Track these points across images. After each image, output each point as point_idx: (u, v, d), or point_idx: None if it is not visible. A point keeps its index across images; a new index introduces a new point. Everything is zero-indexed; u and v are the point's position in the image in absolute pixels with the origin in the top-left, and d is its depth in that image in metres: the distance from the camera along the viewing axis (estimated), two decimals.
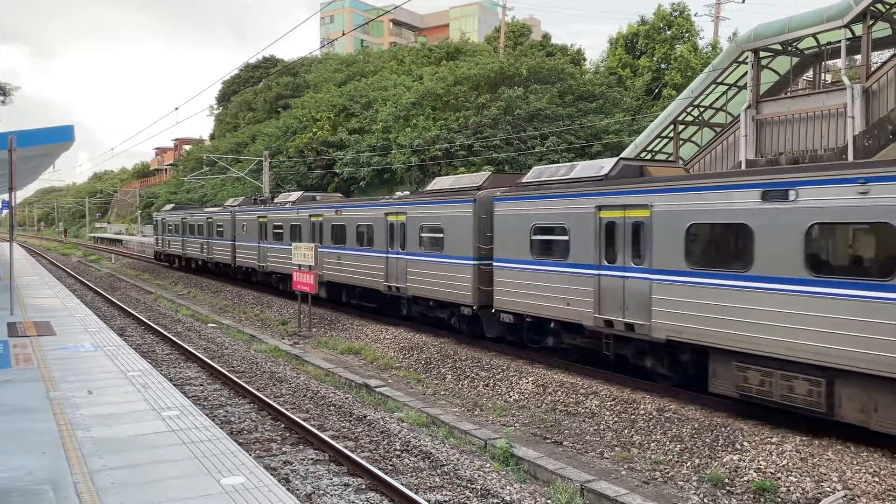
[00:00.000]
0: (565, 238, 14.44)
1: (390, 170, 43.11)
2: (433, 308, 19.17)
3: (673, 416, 11.61)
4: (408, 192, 25.62)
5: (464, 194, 17.91)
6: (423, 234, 19.10)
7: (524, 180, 16.39)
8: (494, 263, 16.41)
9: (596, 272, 13.65)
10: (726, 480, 9.52)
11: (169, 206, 49.43)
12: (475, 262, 17.04)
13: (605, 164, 14.66)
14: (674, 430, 11.16)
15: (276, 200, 29.93)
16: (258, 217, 30.36)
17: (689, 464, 10.20)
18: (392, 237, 20.45)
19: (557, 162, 35.90)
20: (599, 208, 13.62)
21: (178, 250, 42.74)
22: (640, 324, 12.61)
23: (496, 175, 18.63)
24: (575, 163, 16.50)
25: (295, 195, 29.13)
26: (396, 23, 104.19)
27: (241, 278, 33.94)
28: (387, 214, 20.73)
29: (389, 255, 20.53)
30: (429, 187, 20.41)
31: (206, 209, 40.66)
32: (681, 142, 26.76)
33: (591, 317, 13.64)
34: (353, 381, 15.54)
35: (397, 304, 20.99)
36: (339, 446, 10.53)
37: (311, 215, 25.57)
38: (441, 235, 18.31)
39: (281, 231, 28.06)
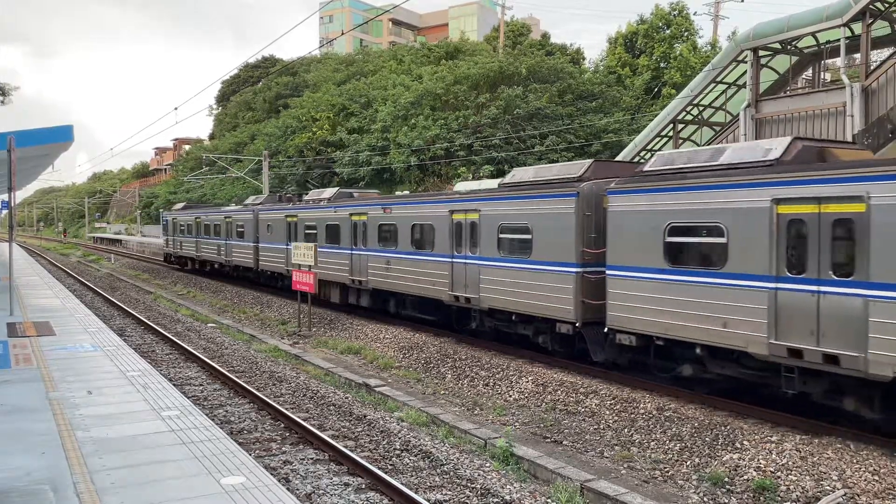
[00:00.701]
0: (721, 241, 11.46)
1: (390, 169, 43.11)
2: (514, 323, 16.33)
3: (673, 416, 11.61)
4: (482, 185, 22.24)
5: (560, 187, 14.75)
6: (502, 236, 16.15)
7: (648, 169, 13.22)
8: (608, 272, 13.33)
9: (771, 285, 10.65)
10: (726, 479, 9.52)
11: (180, 205, 46.59)
12: (578, 270, 14.06)
13: (771, 146, 11.56)
14: (674, 429, 11.16)
15: (306, 198, 27.14)
16: (286, 216, 27.44)
17: (688, 463, 10.20)
18: (459, 239, 17.59)
19: (557, 161, 35.94)
20: (777, 202, 10.64)
21: (191, 252, 40.08)
22: (847, 355, 9.67)
23: (599, 163, 15.40)
24: (721, 146, 13.18)
25: (329, 192, 26.33)
26: (396, 22, 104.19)
27: (264, 283, 31.14)
28: (453, 212, 17.80)
29: (456, 260, 17.65)
30: (506, 179, 17.29)
31: (225, 208, 37.93)
32: (680, 141, 26.77)
33: (765, 343, 10.67)
34: (352, 380, 15.54)
35: (465, 316, 18.12)
36: (339, 446, 10.53)
37: (351, 214, 22.52)
38: (528, 237, 15.29)
39: (314, 232, 25.05)
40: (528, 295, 15.26)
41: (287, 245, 26.64)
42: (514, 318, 16.05)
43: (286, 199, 31.43)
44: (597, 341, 14.13)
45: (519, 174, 17.05)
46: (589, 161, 15.31)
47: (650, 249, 12.51)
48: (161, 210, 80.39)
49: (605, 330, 13.50)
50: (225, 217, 34.44)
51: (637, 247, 12.77)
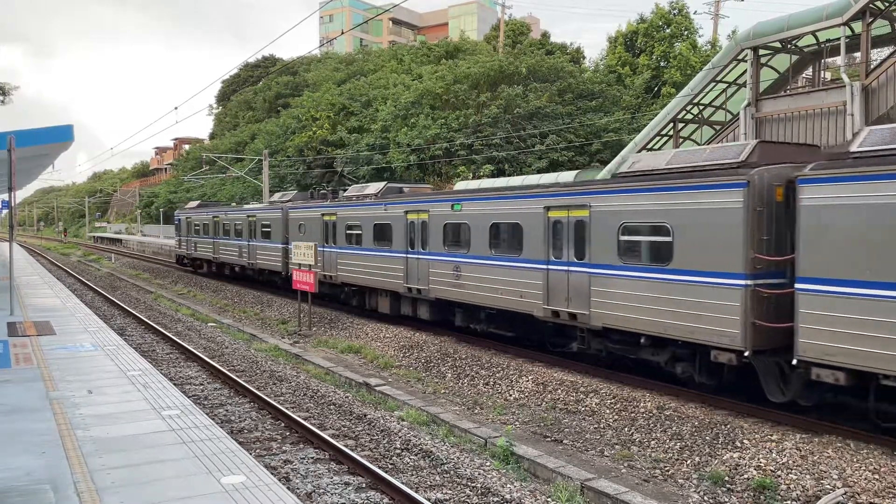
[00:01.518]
0: None
1: (390, 169, 43.10)
2: (639, 347, 13.17)
3: (673, 415, 11.61)
4: (575, 177, 17.90)
5: (718, 175, 11.66)
6: (625, 238, 13.00)
7: (857, 148, 10.42)
8: (801, 286, 10.27)
9: None
10: (726, 478, 9.52)
11: (194, 203, 43.85)
12: (747, 282, 10.98)
13: None
14: (674, 429, 11.16)
15: (346, 194, 24.59)
16: (323, 215, 24.53)
17: (689, 462, 10.20)
18: (559, 241, 14.65)
19: (558, 161, 35.97)
20: None
21: (207, 254, 37.28)
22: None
23: (767, 145, 12.36)
24: None
25: (374, 186, 23.18)
26: (395, 21, 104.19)
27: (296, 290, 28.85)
28: (549, 209, 14.82)
29: (554, 268, 14.73)
30: (623, 168, 13.99)
31: (247, 206, 34.88)
32: (680, 140, 26.75)
33: None
34: (353, 379, 15.54)
35: (564, 334, 15.49)
36: (340, 445, 10.54)
37: (407, 211, 19.74)
38: (667, 239, 12.19)
39: (359, 232, 22.19)
40: (667, 313, 12.12)
41: (324, 247, 24.20)
42: (642, 340, 12.84)
43: (321, 195, 28.21)
44: (774, 375, 11.25)
45: (644, 161, 13.73)
46: (752, 142, 12.21)
47: (881, 256, 9.46)
48: (162, 209, 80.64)
49: (794, 362, 10.40)
50: (248, 216, 31.49)
51: (856, 253, 9.71)
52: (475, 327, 17.97)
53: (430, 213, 18.86)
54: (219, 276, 36.64)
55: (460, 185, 20.88)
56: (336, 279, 23.62)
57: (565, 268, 14.51)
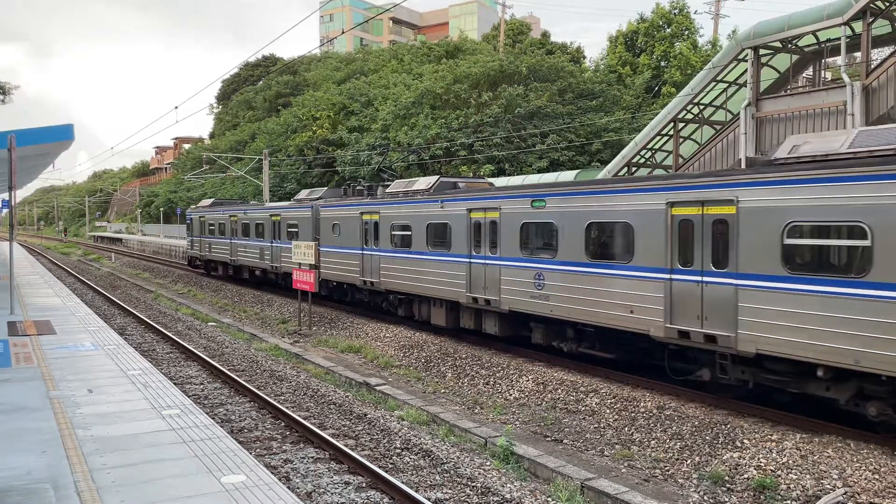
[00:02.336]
0: None
1: (390, 168, 43.09)
2: (812, 380, 10.56)
3: (673, 414, 11.61)
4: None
5: None
6: (792, 241, 10.39)
7: None
8: None
9: None
10: (726, 478, 9.52)
11: (207, 201, 41.18)
12: None
13: None
14: (674, 428, 11.16)
15: (390, 190, 21.82)
16: (362, 214, 21.83)
17: (689, 461, 10.20)
18: (683, 244, 12.10)
19: (558, 161, 35.99)
20: None
21: (223, 255, 34.66)
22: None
23: None
24: None
25: (424, 181, 20.28)
26: (396, 21, 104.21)
27: (326, 297, 25.18)
28: (672, 205, 12.22)
29: (678, 278, 12.05)
30: (780, 154, 11.30)
31: (270, 204, 32.63)
32: (680, 139, 26.76)
33: None
34: (353, 379, 15.54)
35: (688, 359, 12.61)
36: (340, 444, 10.54)
37: (471, 210, 17.12)
38: (864, 243, 9.61)
39: (407, 233, 19.62)
40: (862, 339, 9.50)
41: (363, 250, 21.64)
42: (819, 373, 10.27)
43: (356, 192, 25.19)
44: None
45: (812, 144, 11.04)
46: None
47: None
48: (163, 209, 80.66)
49: None
50: (271, 215, 28.94)
51: None
52: (561, 346, 15.11)
53: (501, 210, 16.07)
54: (236, 280, 33.96)
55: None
56: (379, 286, 20.80)
57: (698, 278, 11.73)
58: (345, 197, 25.28)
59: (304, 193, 29.11)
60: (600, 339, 14.24)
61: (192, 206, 44.60)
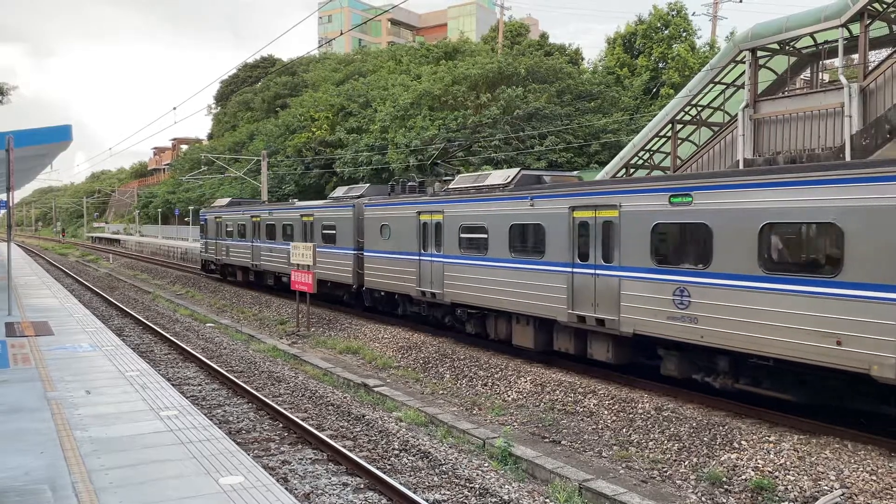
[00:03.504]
0: None
1: (388, 169, 43.11)
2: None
3: (671, 415, 11.62)
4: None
5: None
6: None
7: None
8: None
9: None
10: (724, 479, 9.53)
11: (223, 201, 38.21)
12: None
13: None
14: (672, 429, 11.17)
15: (453, 185, 18.66)
16: (419, 213, 18.98)
17: (687, 462, 10.21)
18: None
19: (557, 162, 36.01)
20: None
21: (243, 260, 31.42)
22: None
23: None
24: None
25: (499, 174, 17.32)
26: (394, 22, 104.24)
27: (370, 308, 22.60)
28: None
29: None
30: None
31: (300, 203, 29.36)
32: (678, 141, 26.78)
33: None
34: (351, 380, 15.54)
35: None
36: (338, 446, 10.54)
37: (574, 208, 14.04)
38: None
39: (481, 236, 16.67)
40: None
41: (420, 256, 18.94)
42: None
43: (409, 188, 21.65)
44: None
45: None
46: None
47: None
48: (160, 209, 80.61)
49: None
50: (302, 215, 25.99)
51: None
52: (706, 381, 12.08)
53: (621, 208, 12.96)
54: (259, 288, 30.65)
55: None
56: (442, 297, 17.96)
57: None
58: (395, 195, 21.74)
59: (340, 191, 25.95)
60: (773, 374, 11.14)
61: (206, 206, 41.06)
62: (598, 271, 13.58)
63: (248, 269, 31.28)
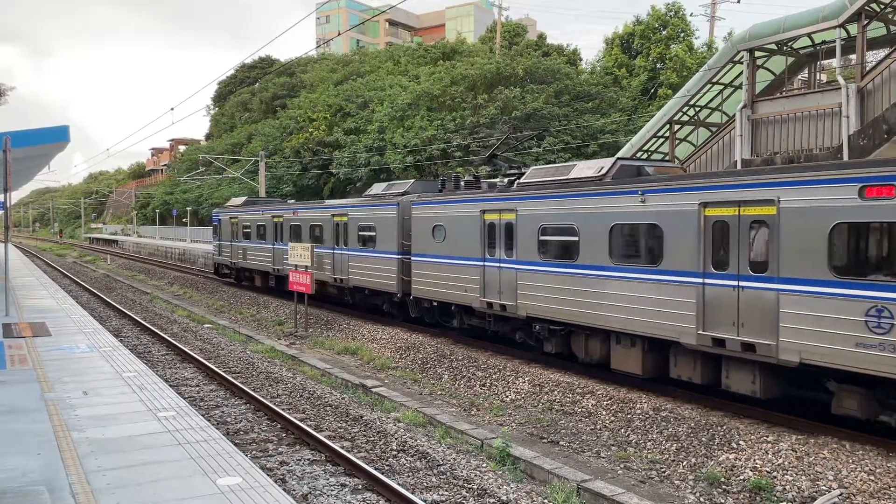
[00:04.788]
0: None
1: (387, 170, 43.11)
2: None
3: (669, 416, 11.62)
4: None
5: None
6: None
7: None
8: None
9: None
10: (722, 479, 9.54)
11: (238, 200, 35.63)
12: None
13: None
14: (670, 430, 11.18)
15: (525, 179, 16.09)
16: (483, 212, 16.65)
17: (685, 463, 10.21)
18: None
19: (554, 162, 36.04)
20: None
21: (262, 264, 28.98)
22: None
23: None
24: None
25: (591, 165, 14.76)
26: (392, 23, 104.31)
27: (416, 319, 20.15)
28: None
29: None
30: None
31: (333, 202, 26.96)
32: (676, 141, 26.82)
33: None
34: (349, 381, 15.52)
35: None
36: (336, 447, 10.52)
37: (706, 204, 11.54)
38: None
39: (570, 239, 14.17)
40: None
41: (485, 261, 16.54)
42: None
43: (466, 183, 19.37)
44: None
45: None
46: None
47: None
48: (158, 210, 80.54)
49: None
50: (333, 215, 23.64)
51: None
52: None
53: (780, 204, 10.48)
54: (282, 294, 27.60)
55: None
56: (514, 310, 15.56)
57: None
58: (449, 191, 19.28)
59: (378, 188, 23.36)
60: None
61: (220, 206, 38.76)
62: (743, 283, 10.91)
63: (268, 273, 28.58)
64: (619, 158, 14.84)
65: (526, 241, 15.25)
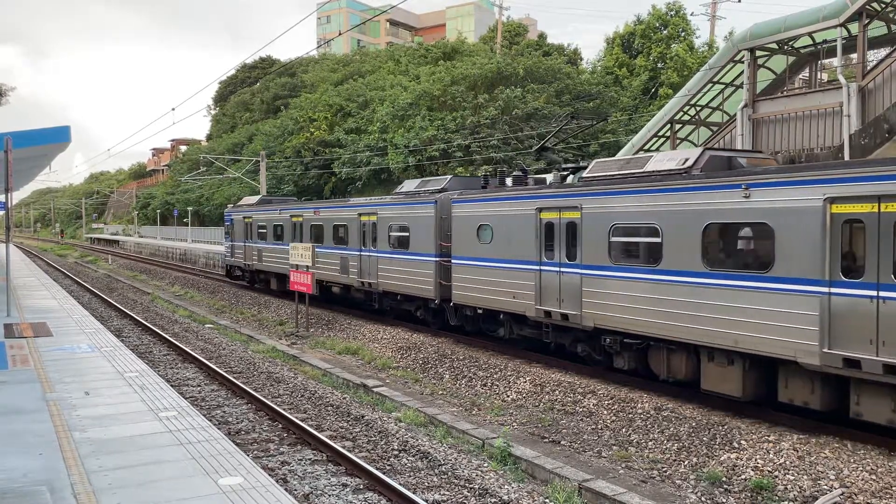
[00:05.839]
0: None
1: (387, 170, 43.13)
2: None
3: (671, 415, 11.62)
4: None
5: None
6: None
7: None
8: None
9: None
10: (724, 479, 9.53)
11: (253, 199, 33.76)
12: None
13: None
14: (671, 429, 11.17)
15: (590, 174, 14.32)
16: (539, 210, 15.01)
17: (686, 462, 10.21)
18: None
19: (555, 162, 36.03)
20: None
21: (280, 266, 26.90)
22: None
23: None
24: None
25: (671, 157, 13.08)
26: (393, 23, 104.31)
27: (456, 326, 18.50)
28: None
29: None
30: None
31: (358, 200, 25.06)
32: (677, 141, 26.80)
33: None
34: (350, 381, 15.53)
35: None
36: (337, 446, 10.52)
37: (833, 199, 9.87)
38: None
39: (650, 241, 12.50)
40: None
41: (542, 265, 14.91)
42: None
43: (516, 179, 17.99)
44: None
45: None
46: None
47: None
48: (159, 210, 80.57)
49: None
50: (360, 214, 22.05)
51: None
52: None
53: None
54: (319, 302, 25.39)
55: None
56: (579, 320, 13.88)
57: None
58: (496, 188, 17.88)
59: (411, 184, 21.51)
60: None
61: (232, 205, 37.12)
62: (884, 294, 9.23)
63: (286, 276, 25.10)
64: (706, 148, 12.80)
65: (593, 242, 13.56)
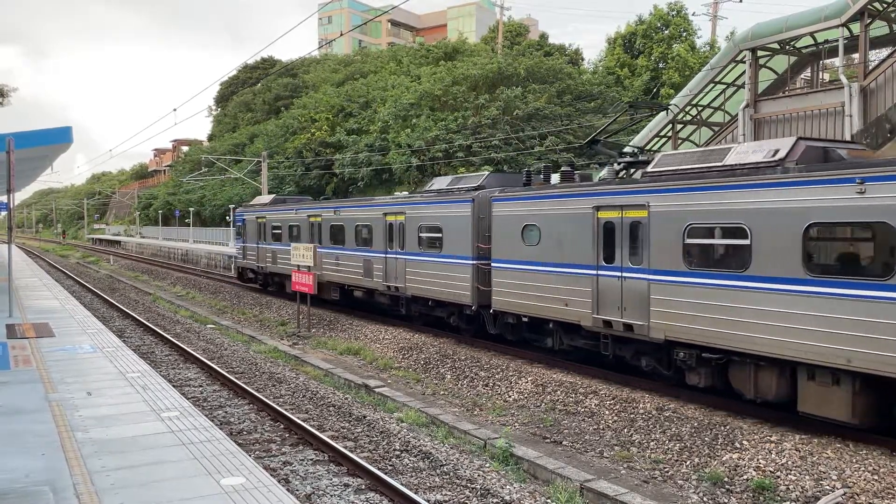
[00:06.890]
0: None
1: (389, 170, 43.14)
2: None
3: (672, 416, 11.61)
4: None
5: None
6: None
7: None
8: None
9: None
10: (726, 479, 9.53)
11: (265, 198, 32.27)
12: None
13: None
14: (673, 429, 11.17)
15: (655, 168, 13.07)
16: (596, 209, 13.70)
17: (688, 463, 10.20)
18: None
19: (557, 162, 36.04)
20: None
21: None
22: None
23: None
24: None
25: (757, 148, 11.63)
26: (394, 23, 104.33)
27: (496, 335, 17.24)
28: None
29: None
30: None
31: (383, 198, 22.85)
32: (679, 141, 26.79)
33: None
34: (352, 381, 15.53)
35: None
36: (339, 447, 10.53)
37: None
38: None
39: (736, 242, 11.11)
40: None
41: (599, 270, 13.54)
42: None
43: (564, 175, 16.67)
44: None
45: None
46: None
47: None
48: (161, 211, 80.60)
49: None
50: (386, 213, 20.70)
51: None
52: None
53: None
54: (319, 302, 24.52)
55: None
56: (646, 330, 12.50)
57: None
58: (541, 185, 16.38)
59: (442, 182, 20.03)
60: None
61: (244, 204, 35.72)
62: None
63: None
64: (800, 138, 11.25)
65: (664, 244, 12.07)
